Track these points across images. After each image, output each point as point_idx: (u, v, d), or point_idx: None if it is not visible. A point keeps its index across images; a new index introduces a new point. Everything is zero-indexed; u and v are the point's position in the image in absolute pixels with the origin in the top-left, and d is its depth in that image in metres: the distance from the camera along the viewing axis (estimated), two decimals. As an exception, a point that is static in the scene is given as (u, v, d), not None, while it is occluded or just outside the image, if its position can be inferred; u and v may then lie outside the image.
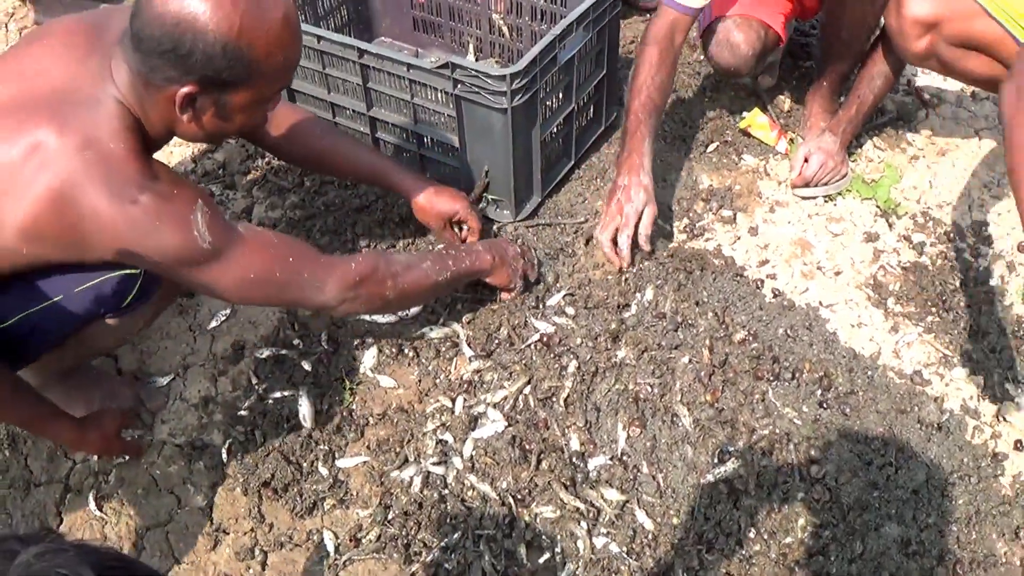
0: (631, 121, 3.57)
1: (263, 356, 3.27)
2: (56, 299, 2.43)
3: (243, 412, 3.12)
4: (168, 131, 2.45)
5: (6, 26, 5.17)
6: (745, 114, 4.24)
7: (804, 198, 3.87)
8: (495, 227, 3.67)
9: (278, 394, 3.16)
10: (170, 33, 2.19)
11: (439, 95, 3.47)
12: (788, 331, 3.32)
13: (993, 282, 3.55)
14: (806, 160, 3.84)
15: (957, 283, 3.51)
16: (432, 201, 3.35)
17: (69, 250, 2.28)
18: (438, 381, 3.19)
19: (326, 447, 3.03)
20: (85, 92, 2.34)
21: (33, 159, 2.21)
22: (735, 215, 3.80)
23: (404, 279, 2.79)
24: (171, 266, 2.35)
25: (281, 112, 3.22)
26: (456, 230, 3.44)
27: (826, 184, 3.85)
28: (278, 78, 2.40)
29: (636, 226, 3.44)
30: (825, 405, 3.09)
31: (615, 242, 3.46)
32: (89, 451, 2.91)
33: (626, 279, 3.47)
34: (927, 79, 4.55)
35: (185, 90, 2.26)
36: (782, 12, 3.95)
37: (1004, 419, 3.12)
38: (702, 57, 4.35)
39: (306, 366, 3.22)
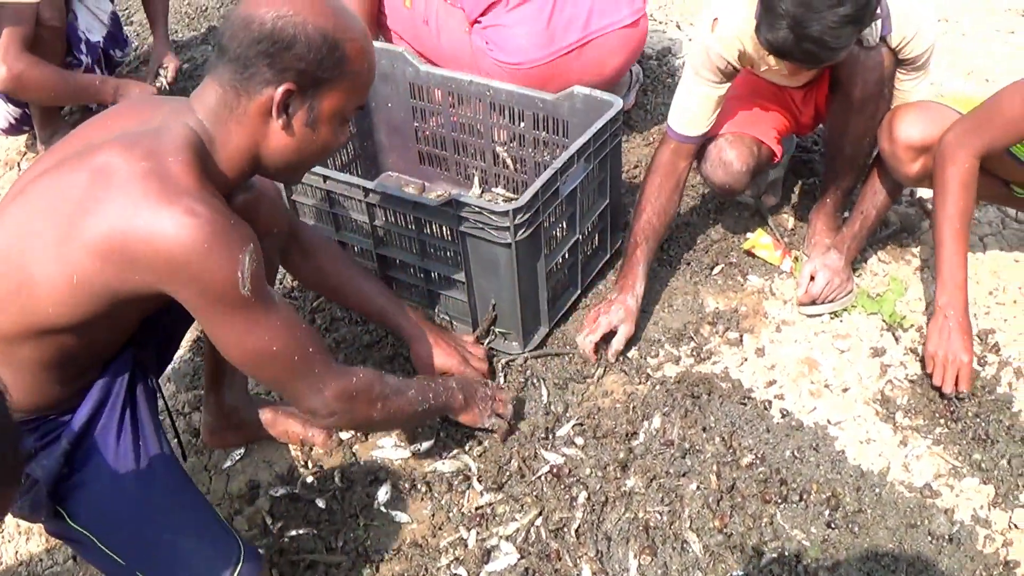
0: (630, 244, 3.71)
1: (278, 495, 3.28)
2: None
3: (260, 551, 3.10)
4: (247, 160, 2.45)
5: (18, 165, 5.29)
6: (749, 235, 4.27)
7: (810, 316, 3.89)
8: (504, 360, 3.70)
9: (293, 532, 3.17)
10: (269, 30, 2.28)
11: (444, 231, 3.52)
12: (795, 452, 3.32)
13: (1001, 389, 3.55)
14: (812, 278, 3.85)
15: (965, 393, 3.51)
16: (427, 354, 3.39)
17: (123, 270, 2.24)
18: (451, 515, 3.20)
19: (344, 585, 3.03)
20: (155, 123, 2.39)
21: (99, 179, 2.24)
22: (741, 337, 3.82)
23: (392, 404, 2.77)
24: (198, 298, 2.30)
25: (304, 230, 3.28)
26: None
27: (832, 301, 3.87)
28: (361, 88, 2.49)
29: (609, 337, 3.61)
30: (833, 525, 3.09)
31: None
32: None
33: (634, 407, 3.49)
34: (929, 191, 4.58)
35: (284, 87, 2.32)
36: (775, 128, 4.00)
37: (1016, 527, 3.11)
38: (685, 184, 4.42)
39: (320, 504, 3.23)
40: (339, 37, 2.34)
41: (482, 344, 3.64)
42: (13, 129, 5.01)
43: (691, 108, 3.70)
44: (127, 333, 2.61)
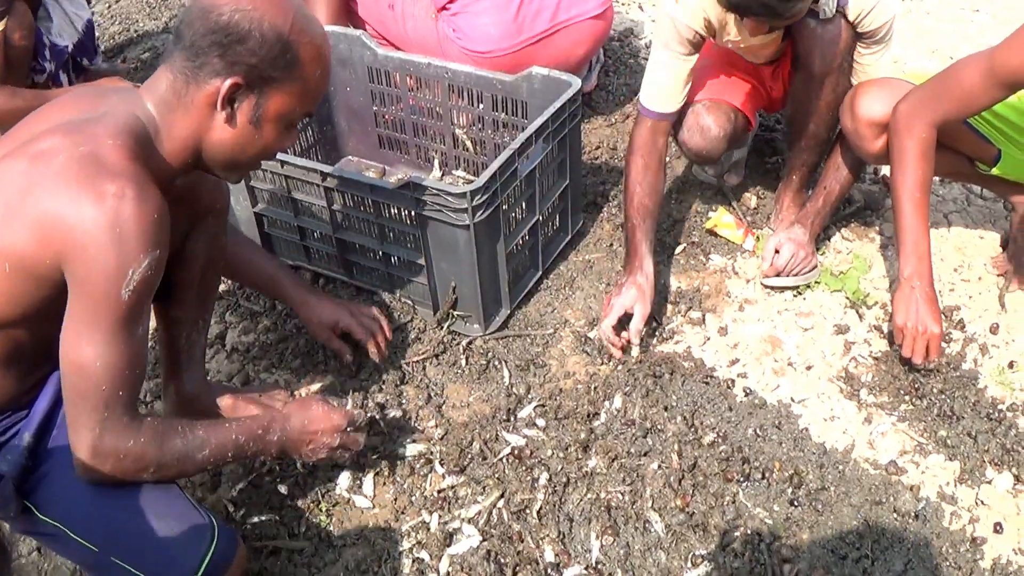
0: (628, 227, 3.69)
1: (241, 486, 3.25)
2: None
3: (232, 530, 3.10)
4: (190, 151, 2.43)
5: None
6: (711, 214, 4.27)
7: (774, 289, 3.89)
8: (465, 341, 3.69)
9: (256, 519, 3.14)
10: (225, 22, 2.27)
11: (403, 214, 3.51)
12: (758, 431, 3.32)
13: (966, 366, 3.55)
14: (776, 251, 3.85)
15: (930, 369, 3.51)
16: (313, 312, 3.43)
17: (46, 250, 2.21)
18: (413, 498, 3.18)
19: (306, 570, 3.01)
20: (101, 111, 2.37)
21: (38, 164, 2.23)
22: (704, 316, 3.82)
23: (168, 471, 2.55)
24: (80, 284, 2.23)
25: None
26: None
27: (796, 275, 3.87)
28: (311, 94, 2.47)
29: (624, 320, 3.55)
30: (796, 503, 3.08)
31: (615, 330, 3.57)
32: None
33: (595, 388, 3.48)
34: (894, 167, 4.60)
35: (231, 80, 2.30)
36: (751, 98, 4.02)
37: (982, 503, 3.11)
38: (667, 160, 4.40)
39: (282, 490, 3.20)
40: (294, 39, 2.34)
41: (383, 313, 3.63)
42: None
43: (663, 84, 3.68)
44: None
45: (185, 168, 2.48)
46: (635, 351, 3.57)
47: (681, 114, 3.87)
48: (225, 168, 2.52)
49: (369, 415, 3.10)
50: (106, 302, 2.22)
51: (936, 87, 3.26)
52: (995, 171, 3.59)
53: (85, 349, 2.28)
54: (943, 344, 3.56)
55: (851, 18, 3.48)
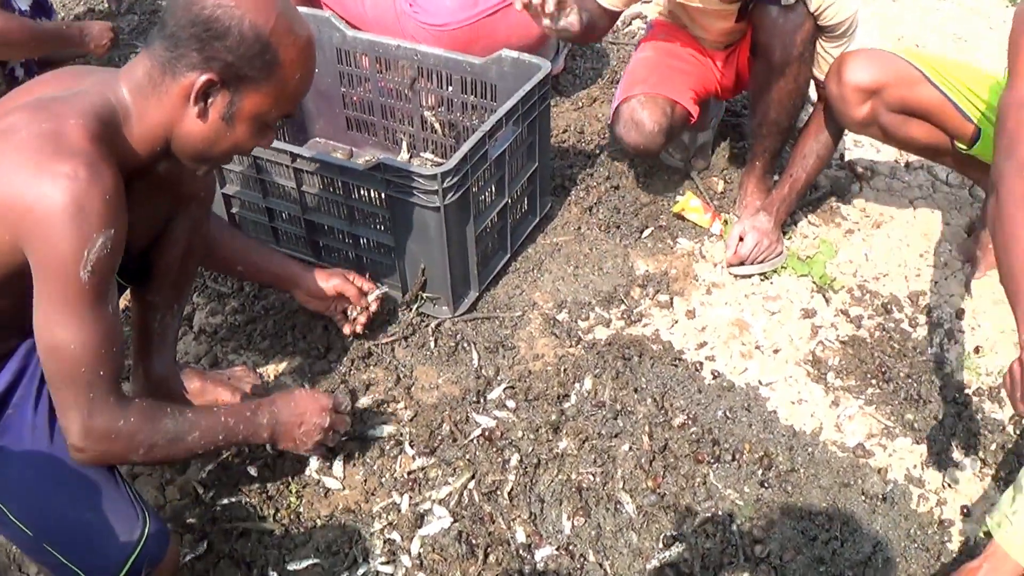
0: None
1: (210, 468, 3.23)
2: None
3: (192, 520, 3.09)
4: (159, 139, 2.41)
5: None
6: (679, 198, 4.27)
7: (740, 277, 3.91)
8: (434, 323, 3.69)
9: (226, 500, 3.14)
10: (206, 16, 2.24)
11: (373, 195, 3.51)
12: (727, 413, 3.34)
13: (933, 350, 3.59)
14: (741, 239, 3.87)
15: (896, 354, 3.54)
16: (309, 283, 3.44)
17: (3, 227, 2.21)
18: (383, 480, 3.18)
19: (276, 551, 3.00)
20: (75, 89, 2.36)
21: (1, 140, 2.22)
22: (672, 299, 3.83)
23: (158, 452, 2.55)
24: (40, 264, 2.23)
25: None
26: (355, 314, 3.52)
27: (761, 262, 3.88)
28: (289, 97, 2.45)
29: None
30: (766, 484, 3.11)
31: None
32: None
33: (565, 369, 3.49)
34: (859, 152, 4.61)
35: (205, 76, 2.28)
36: (692, 89, 4.03)
37: (949, 486, 3.15)
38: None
39: (252, 471, 3.18)
40: (275, 40, 2.31)
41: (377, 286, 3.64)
42: None
43: None
44: None
45: (153, 156, 2.46)
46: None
47: (618, 110, 3.95)
48: (193, 160, 2.50)
49: (349, 397, 3.16)
50: (67, 284, 2.22)
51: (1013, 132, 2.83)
52: (974, 151, 3.59)
53: (57, 332, 2.27)
54: (908, 329, 3.63)
55: (811, 8, 3.51)
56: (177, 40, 2.28)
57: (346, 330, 3.52)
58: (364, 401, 3.38)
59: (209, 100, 2.34)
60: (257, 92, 2.36)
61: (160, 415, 2.53)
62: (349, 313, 3.52)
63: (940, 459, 3.22)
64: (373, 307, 3.50)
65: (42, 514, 2.49)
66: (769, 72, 3.73)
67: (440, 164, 3.90)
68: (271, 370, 3.57)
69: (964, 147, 3.60)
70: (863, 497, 3.09)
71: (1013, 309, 2.59)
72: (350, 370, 3.53)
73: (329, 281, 3.42)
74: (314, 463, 3.21)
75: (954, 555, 2.96)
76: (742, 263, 3.87)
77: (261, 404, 2.84)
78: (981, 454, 3.23)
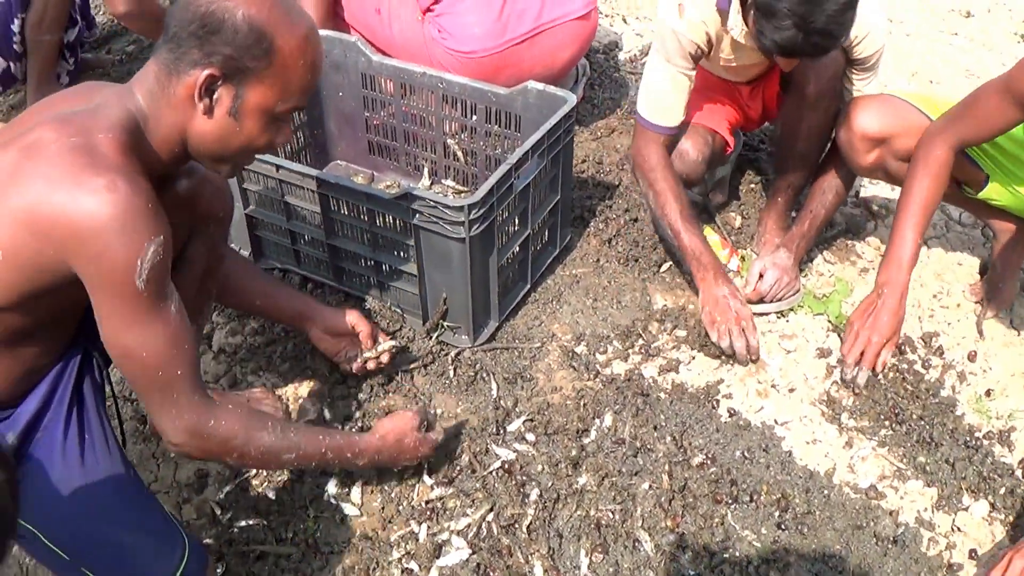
0: (691, 242, 3.78)
1: (228, 489, 3.26)
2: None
3: (209, 540, 3.10)
4: (177, 143, 2.42)
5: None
6: (697, 232, 4.26)
7: (757, 314, 3.90)
8: (453, 352, 3.71)
9: (243, 523, 3.15)
10: (203, 13, 2.25)
11: (397, 223, 3.52)
12: (745, 453, 3.36)
13: (944, 392, 3.61)
14: (761, 275, 3.88)
15: (909, 395, 3.56)
16: (325, 320, 3.40)
17: (41, 242, 2.22)
18: (401, 508, 3.19)
19: (292, 575, 3.02)
20: (95, 103, 2.38)
21: (29, 155, 2.23)
22: (689, 335, 3.85)
23: (252, 458, 2.63)
24: (95, 277, 2.26)
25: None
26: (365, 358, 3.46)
27: (779, 300, 3.90)
28: (293, 88, 2.40)
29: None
30: (783, 526, 3.13)
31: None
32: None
33: (584, 403, 3.51)
34: (874, 190, 4.64)
35: (207, 72, 2.27)
36: (727, 119, 4.07)
37: (959, 529, 3.16)
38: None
39: (270, 495, 3.21)
40: (269, 30, 2.29)
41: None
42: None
43: (668, 99, 3.74)
44: (73, 320, 2.59)
45: (175, 159, 2.47)
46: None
47: None
48: (212, 160, 2.50)
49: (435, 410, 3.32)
50: (124, 296, 2.24)
51: (958, 109, 3.32)
52: (981, 195, 3.63)
53: (126, 342, 2.32)
54: (920, 371, 3.67)
55: (844, 43, 3.52)
56: (179, 41, 2.29)
57: (352, 367, 3.47)
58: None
59: (214, 96, 2.34)
60: (260, 84, 2.34)
61: (258, 426, 2.60)
62: (357, 355, 3.47)
63: (950, 502, 3.24)
64: (384, 359, 3.46)
65: (77, 538, 2.50)
66: (801, 106, 3.76)
67: (461, 191, 3.93)
68: (290, 392, 3.59)
69: (972, 192, 3.64)
70: (875, 539, 3.11)
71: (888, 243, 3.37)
72: (369, 396, 3.54)
73: (346, 316, 3.39)
74: (332, 488, 3.23)
75: (962, 598, 2.98)
76: (761, 299, 3.88)
77: (367, 449, 2.93)
78: (991, 498, 3.25)
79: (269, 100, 2.37)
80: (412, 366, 3.65)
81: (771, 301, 3.89)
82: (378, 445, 2.97)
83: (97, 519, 2.53)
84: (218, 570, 3.02)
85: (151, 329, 2.32)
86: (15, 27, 4.67)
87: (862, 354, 3.38)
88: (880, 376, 3.58)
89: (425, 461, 3.17)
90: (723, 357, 3.74)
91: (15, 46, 4.74)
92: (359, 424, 3.44)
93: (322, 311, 3.40)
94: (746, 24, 3.35)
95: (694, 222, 3.78)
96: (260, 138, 2.45)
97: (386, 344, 3.45)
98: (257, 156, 2.62)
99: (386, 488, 3.25)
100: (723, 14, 3.47)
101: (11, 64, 4.80)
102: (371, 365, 3.44)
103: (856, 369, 3.42)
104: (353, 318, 3.38)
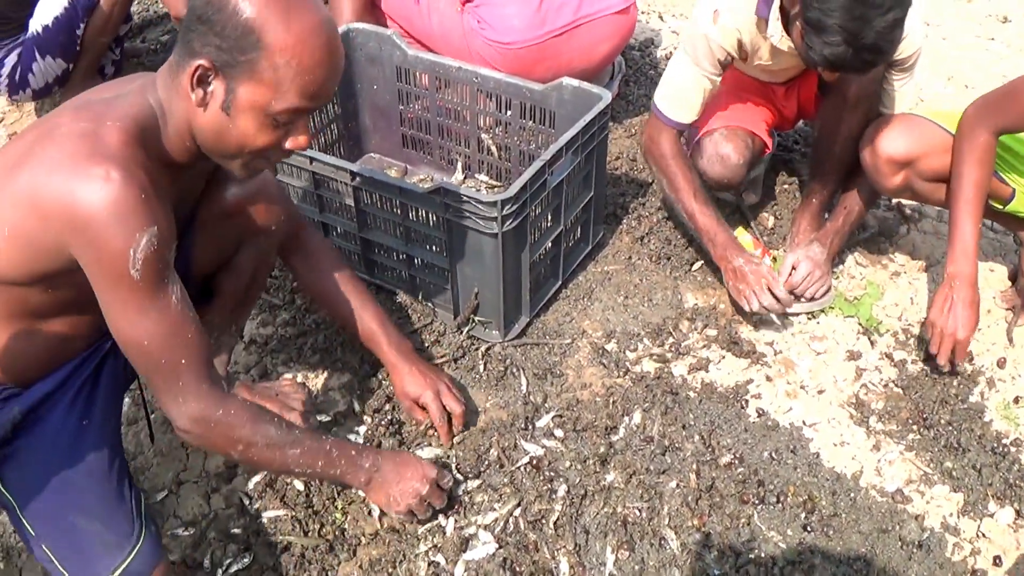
0: (700, 221, 3.83)
1: (256, 479, 3.28)
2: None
3: (236, 530, 3.14)
4: (188, 136, 2.40)
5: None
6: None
7: (788, 315, 3.92)
8: (484, 347, 3.72)
9: (271, 513, 3.17)
10: (203, 4, 2.23)
11: (430, 217, 3.54)
12: (773, 454, 3.36)
13: (973, 399, 3.59)
14: (793, 267, 3.88)
15: (938, 400, 3.56)
16: (401, 381, 3.32)
17: (41, 225, 2.24)
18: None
19: (319, 567, 3.03)
20: (122, 91, 2.41)
21: (42, 138, 2.27)
22: (719, 334, 3.85)
23: (257, 453, 2.64)
24: (93, 264, 2.27)
25: (310, 235, 3.25)
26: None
27: (811, 300, 3.89)
28: (289, 87, 2.28)
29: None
30: (809, 528, 3.13)
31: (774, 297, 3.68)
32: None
33: (613, 401, 3.52)
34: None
35: (197, 63, 2.24)
36: (764, 120, 4.07)
37: (983, 536, 3.16)
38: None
39: (298, 486, 3.23)
40: (260, 24, 2.21)
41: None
42: (44, 91, 4.95)
43: (688, 97, 3.76)
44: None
45: (190, 152, 2.44)
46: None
47: (700, 143, 3.95)
48: (216, 156, 2.46)
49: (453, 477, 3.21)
50: (120, 284, 2.28)
51: (1001, 97, 3.33)
52: (1009, 208, 3.64)
53: (126, 330, 2.36)
54: (951, 376, 3.65)
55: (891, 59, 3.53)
56: (185, 31, 2.28)
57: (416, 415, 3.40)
58: (411, 421, 3.43)
59: (209, 89, 2.30)
60: (250, 80, 2.26)
61: (264, 420, 2.63)
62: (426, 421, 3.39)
63: (976, 508, 3.23)
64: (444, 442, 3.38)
65: (45, 516, 2.56)
66: (842, 107, 3.75)
67: (494, 186, 3.93)
68: (319, 384, 3.61)
69: (999, 205, 3.64)
70: (900, 544, 3.11)
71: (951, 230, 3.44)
72: (399, 389, 3.54)
73: (417, 391, 3.31)
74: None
75: (985, 606, 2.98)
76: (792, 291, 3.88)
77: (368, 449, 2.93)
78: (1016, 505, 3.24)
79: (260, 98, 2.29)
80: (442, 360, 3.66)
81: (803, 295, 3.88)
82: (382, 452, 3.00)
83: (65, 503, 2.58)
84: (245, 560, 3.04)
85: (149, 317, 2.35)
86: (79, 31, 4.77)
87: (953, 351, 3.44)
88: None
89: (410, 517, 3.07)
90: (753, 356, 3.76)
91: (77, 47, 4.83)
92: (388, 417, 3.45)
93: (401, 372, 3.31)
94: (787, 33, 3.37)
95: (708, 203, 3.82)
96: (258, 138, 2.36)
97: (454, 430, 3.39)
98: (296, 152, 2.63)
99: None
100: (762, 21, 3.48)
101: (70, 65, 4.89)
102: (442, 435, 3.36)
103: (946, 365, 3.48)
104: (427, 399, 3.29)
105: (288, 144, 2.41)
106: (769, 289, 3.66)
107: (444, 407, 3.31)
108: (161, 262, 2.32)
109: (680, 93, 3.77)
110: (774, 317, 3.83)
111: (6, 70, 4.78)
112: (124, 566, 2.53)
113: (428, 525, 3.13)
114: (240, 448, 2.59)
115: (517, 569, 3.00)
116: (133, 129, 2.30)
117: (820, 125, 4.02)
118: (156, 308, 2.35)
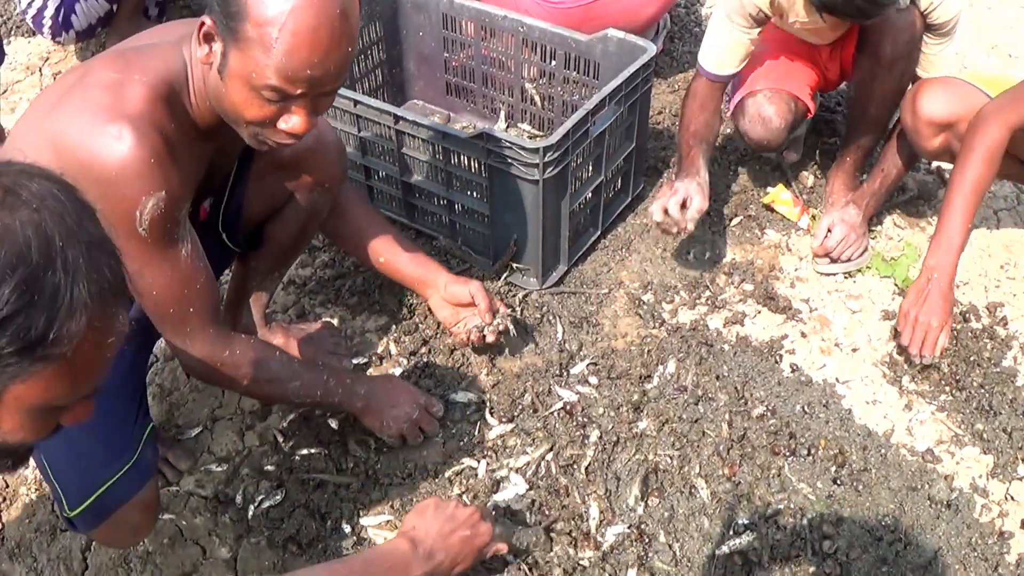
0: (684, 147, 3.80)
1: (291, 417, 3.31)
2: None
3: (270, 467, 3.17)
4: (203, 91, 2.38)
5: (40, 70, 5.26)
6: (769, 189, 4.30)
7: (824, 274, 3.93)
8: (521, 294, 3.75)
9: (304, 451, 3.21)
10: None
11: (472, 163, 3.56)
12: (805, 407, 3.37)
13: (1006, 363, 3.59)
14: (829, 231, 3.89)
15: (971, 363, 3.56)
16: (442, 288, 3.33)
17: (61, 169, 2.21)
18: (462, 444, 3.24)
19: (351, 505, 3.07)
20: (158, 40, 2.43)
21: (77, 82, 2.30)
22: (755, 289, 3.86)
23: (262, 388, 2.77)
24: (107, 216, 2.05)
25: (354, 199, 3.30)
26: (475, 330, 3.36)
27: (847, 261, 3.90)
28: (266, 65, 2.17)
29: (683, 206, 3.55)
30: (839, 482, 3.14)
31: (665, 212, 3.55)
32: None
33: (648, 350, 3.54)
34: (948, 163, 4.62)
35: (202, 19, 2.22)
36: (808, 83, 4.04)
37: (1012, 498, 3.16)
38: (727, 131, 4.46)
39: (332, 424, 3.25)
40: None
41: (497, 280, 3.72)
42: (88, 32, 4.98)
43: (722, 51, 3.75)
44: None
45: (211, 113, 2.41)
46: (690, 226, 3.55)
47: (742, 103, 3.94)
48: (226, 119, 2.39)
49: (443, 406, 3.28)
50: (130, 239, 2.30)
51: (1017, 91, 3.31)
52: None
53: (136, 281, 2.38)
54: (985, 340, 3.64)
55: (922, 8, 3.52)
56: None
57: (467, 336, 3.36)
58: (446, 364, 3.46)
59: (213, 48, 2.25)
60: (236, 48, 2.18)
61: (268, 355, 2.72)
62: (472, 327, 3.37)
63: (1005, 471, 3.24)
64: (489, 338, 3.34)
65: None
66: (876, 68, 3.73)
67: (537, 136, 3.95)
68: (357, 326, 3.64)
69: None
70: (929, 502, 3.12)
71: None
72: (435, 333, 3.59)
73: (467, 287, 3.31)
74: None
75: (1011, 567, 2.99)
76: (827, 254, 3.88)
77: (362, 376, 3.03)
78: (1046, 470, 3.25)
79: (243, 69, 2.20)
80: (480, 305, 3.66)
81: (837, 258, 3.89)
82: (375, 379, 3.16)
83: None
84: (277, 497, 3.08)
85: (159, 271, 2.41)
86: None
87: (923, 341, 3.40)
88: (939, 362, 3.57)
89: (400, 441, 3.16)
90: (789, 312, 3.77)
91: None
92: (424, 359, 3.49)
93: (444, 279, 3.34)
94: None
95: (697, 138, 3.80)
96: (248, 110, 2.28)
97: (503, 317, 3.38)
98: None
99: (448, 424, 3.30)
100: None
101: (113, 6, 4.91)
102: (490, 338, 3.34)
103: (919, 357, 3.43)
104: (474, 288, 3.31)
105: (280, 125, 2.31)
106: (669, 201, 3.56)
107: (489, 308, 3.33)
108: (171, 220, 2.37)
109: (716, 49, 3.76)
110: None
111: (49, 11, 4.77)
112: (108, 485, 2.57)
113: (459, 467, 3.17)
114: (245, 383, 2.70)
115: (547, 512, 3.03)
116: (159, 85, 2.31)
117: (856, 86, 4.01)
118: (166, 260, 2.41)
